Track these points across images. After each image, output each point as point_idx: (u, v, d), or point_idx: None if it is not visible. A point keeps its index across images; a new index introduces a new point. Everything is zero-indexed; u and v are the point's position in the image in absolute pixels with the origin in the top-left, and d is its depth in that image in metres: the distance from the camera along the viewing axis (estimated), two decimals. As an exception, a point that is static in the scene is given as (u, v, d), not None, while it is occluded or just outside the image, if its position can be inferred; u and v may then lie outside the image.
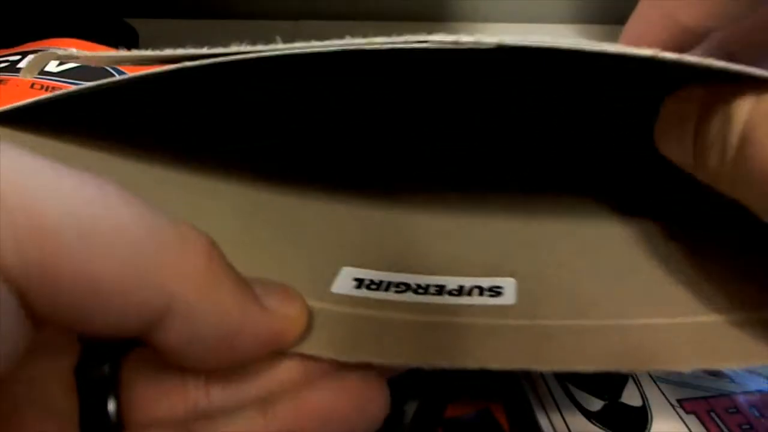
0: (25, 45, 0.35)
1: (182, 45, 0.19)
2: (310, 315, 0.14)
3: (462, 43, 0.12)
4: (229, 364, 0.13)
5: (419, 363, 0.14)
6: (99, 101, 0.14)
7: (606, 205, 0.20)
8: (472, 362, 0.13)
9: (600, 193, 0.21)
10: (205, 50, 0.14)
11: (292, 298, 0.14)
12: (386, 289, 0.16)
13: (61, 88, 0.32)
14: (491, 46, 0.12)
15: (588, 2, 0.47)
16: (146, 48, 0.15)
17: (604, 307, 0.15)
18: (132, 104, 0.18)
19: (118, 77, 0.14)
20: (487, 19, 0.48)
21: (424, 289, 0.16)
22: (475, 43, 0.12)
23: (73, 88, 0.15)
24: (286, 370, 0.14)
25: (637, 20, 0.18)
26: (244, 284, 0.13)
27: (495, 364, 0.13)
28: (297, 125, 0.25)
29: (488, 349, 0.14)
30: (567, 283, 0.17)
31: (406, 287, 0.16)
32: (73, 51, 0.13)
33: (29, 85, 0.32)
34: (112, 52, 0.15)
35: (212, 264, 0.12)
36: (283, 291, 0.14)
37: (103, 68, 0.33)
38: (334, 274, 0.17)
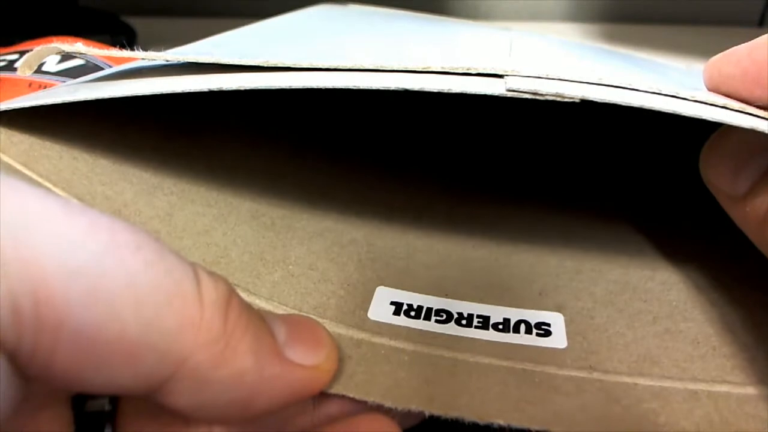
0: (22, 44, 0.35)
1: (181, 43, 0.18)
2: (343, 356, 0.13)
3: (542, 94, 0.11)
4: (244, 420, 0.12)
5: (472, 416, 0.13)
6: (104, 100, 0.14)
7: (652, 247, 0.19)
8: (537, 423, 0.12)
9: (646, 231, 0.20)
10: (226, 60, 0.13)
11: (319, 344, 0.13)
12: (427, 318, 0.15)
13: (59, 88, 0.31)
14: (574, 100, 0.11)
15: (589, 1, 0.47)
16: (145, 47, 0.15)
17: (662, 364, 0.14)
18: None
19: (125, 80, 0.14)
20: (488, 17, 0.48)
21: (468, 321, 0.15)
22: (556, 94, 0.11)
23: (69, 88, 0.15)
24: (296, 412, 0.13)
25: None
26: (265, 334, 0.12)
27: (559, 428, 0.12)
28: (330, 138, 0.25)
29: (550, 409, 0.13)
30: (618, 326, 0.15)
31: (448, 316, 0.15)
32: (79, 45, 0.12)
33: (27, 84, 0.32)
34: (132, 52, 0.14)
35: (229, 321, 0.11)
36: (311, 334, 0.13)
37: (101, 66, 0.33)
38: (370, 292, 0.16)
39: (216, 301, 0.11)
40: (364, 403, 0.14)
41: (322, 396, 0.14)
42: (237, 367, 0.11)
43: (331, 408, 0.14)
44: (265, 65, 0.13)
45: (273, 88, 0.12)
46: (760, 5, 0.45)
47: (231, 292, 0.11)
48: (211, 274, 0.11)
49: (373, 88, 0.12)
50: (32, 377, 0.10)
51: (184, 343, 0.10)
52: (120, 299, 0.09)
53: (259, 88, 0.12)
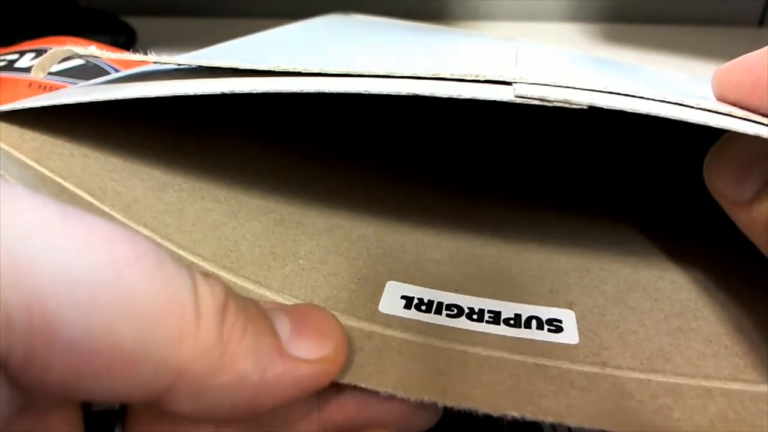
0: (22, 44, 0.35)
1: (180, 43, 0.18)
2: (354, 347, 0.13)
3: (550, 100, 0.11)
4: (250, 418, 0.12)
5: (486, 408, 0.13)
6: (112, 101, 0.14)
7: (660, 249, 0.19)
8: (551, 416, 0.12)
9: (654, 234, 0.20)
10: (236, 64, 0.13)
11: (327, 335, 0.12)
12: (438, 312, 0.15)
13: (59, 88, 0.31)
14: (582, 107, 0.11)
15: (588, 1, 0.47)
16: (144, 47, 0.15)
17: (675, 361, 0.14)
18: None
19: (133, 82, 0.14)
20: (487, 17, 0.48)
21: (479, 315, 0.15)
22: (564, 101, 0.11)
23: (81, 88, 0.15)
24: (300, 417, 0.13)
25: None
26: (266, 334, 0.11)
27: (573, 421, 0.12)
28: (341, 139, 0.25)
29: (564, 403, 0.13)
30: (629, 324, 0.16)
31: (459, 311, 0.15)
32: (93, 48, 0.12)
33: (27, 84, 0.32)
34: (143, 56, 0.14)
35: (226, 326, 0.11)
36: (318, 325, 0.13)
37: (102, 67, 0.33)
38: (380, 286, 0.16)
39: (212, 307, 0.11)
40: (370, 406, 0.14)
41: (327, 402, 0.14)
42: (237, 371, 0.11)
43: (336, 415, 0.14)
44: (277, 70, 0.13)
45: (286, 92, 0.12)
46: (760, 5, 0.45)
47: (227, 296, 0.11)
48: (207, 278, 0.11)
49: (385, 93, 0.12)
50: (27, 387, 0.10)
51: (181, 353, 0.10)
52: (116, 312, 0.09)
53: (273, 91, 0.12)
